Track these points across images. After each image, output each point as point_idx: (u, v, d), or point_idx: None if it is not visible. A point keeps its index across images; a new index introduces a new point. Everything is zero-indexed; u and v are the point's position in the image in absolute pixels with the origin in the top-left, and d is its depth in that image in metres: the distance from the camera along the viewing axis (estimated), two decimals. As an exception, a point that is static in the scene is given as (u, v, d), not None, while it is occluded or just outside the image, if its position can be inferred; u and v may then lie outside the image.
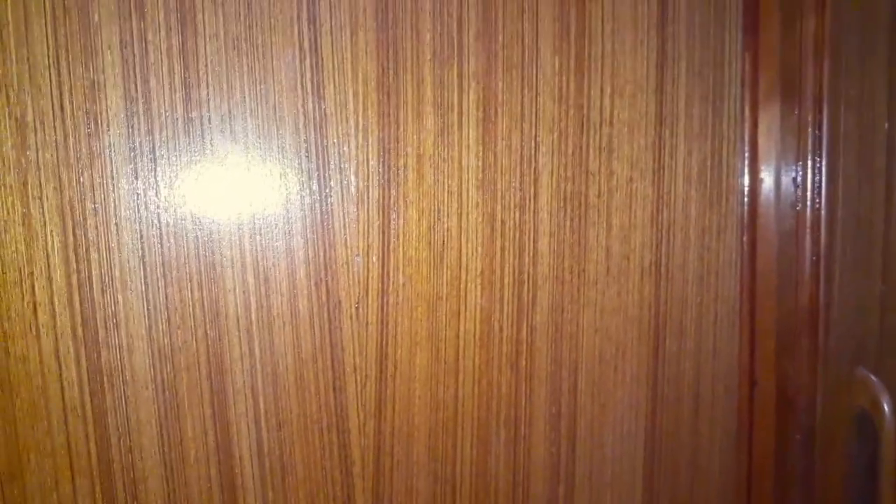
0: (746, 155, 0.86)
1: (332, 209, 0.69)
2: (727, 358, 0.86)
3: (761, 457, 0.92)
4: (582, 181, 0.78)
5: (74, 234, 0.62)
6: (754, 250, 0.88)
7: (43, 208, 0.61)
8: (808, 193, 0.90)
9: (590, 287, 0.79)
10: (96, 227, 0.62)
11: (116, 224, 0.63)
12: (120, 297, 0.64)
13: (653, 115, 0.80)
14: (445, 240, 0.74)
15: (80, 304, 0.62)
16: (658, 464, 0.84)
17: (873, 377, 0.82)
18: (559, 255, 0.78)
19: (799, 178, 0.90)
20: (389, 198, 0.71)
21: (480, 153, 0.74)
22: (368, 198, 0.70)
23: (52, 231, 0.61)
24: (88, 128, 0.62)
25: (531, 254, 0.77)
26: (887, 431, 0.76)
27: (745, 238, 0.86)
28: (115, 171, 0.63)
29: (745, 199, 0.86)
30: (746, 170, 0.86)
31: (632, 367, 0.81)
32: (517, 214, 0.76)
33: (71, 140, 0.61)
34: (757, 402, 0.92)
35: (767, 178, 0.89)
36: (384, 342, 0.72)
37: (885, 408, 0.77)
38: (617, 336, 0.80)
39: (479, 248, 0.75)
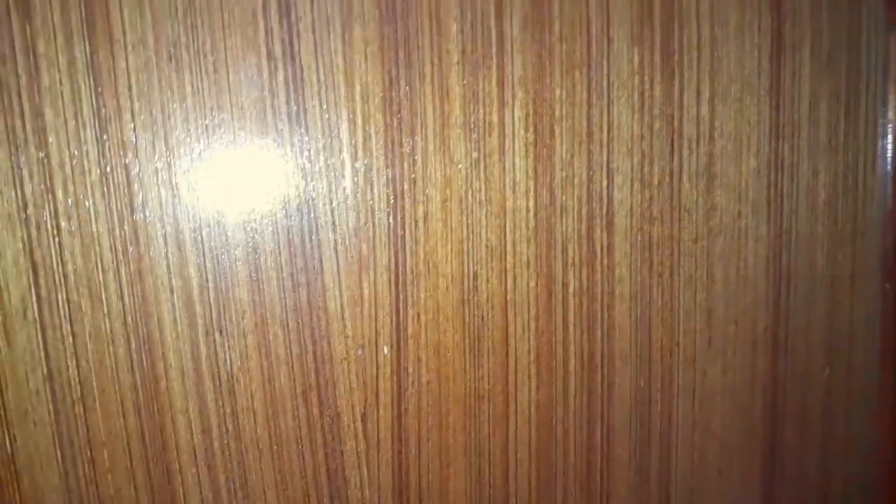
0: (889, 170, 0.63)
1: (323, 286, 0.48)
2: (862, 450, 0.65)
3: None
4: (673, 221, 0.56)
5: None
6: (897, 299, 0.66)
7: None
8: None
9: (686, 367, 0.58)
10: (-26, 338, 0.42)
11: (4, 329, 0.43)
12: (28, 440, 0.44)
13: (767, 126, 0.58)
14: (485, 316, 0.53)
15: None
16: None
17: None
18: (643, 327, 0.56)
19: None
20: (405, 263, 0.50)
21: (532, 191, 0.53)
22: (375, 265, 0.49)
23: None
24: (-48, 191, 0.41)
25: (605, 327, 0.55)
26: None
27: (886, 286, 0.64)
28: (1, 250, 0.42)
29: (888, 233, 0.63)
30: (889, 192, 0.64)
31: (741, 471, 0.61)
32: (584, 273, 0.54)
33: (-74, 211, 0.41)
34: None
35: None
36: (403, 467, 0.51)
37: None
38: (722, 431, 0.59)
39: (533, 324, 0.54)
